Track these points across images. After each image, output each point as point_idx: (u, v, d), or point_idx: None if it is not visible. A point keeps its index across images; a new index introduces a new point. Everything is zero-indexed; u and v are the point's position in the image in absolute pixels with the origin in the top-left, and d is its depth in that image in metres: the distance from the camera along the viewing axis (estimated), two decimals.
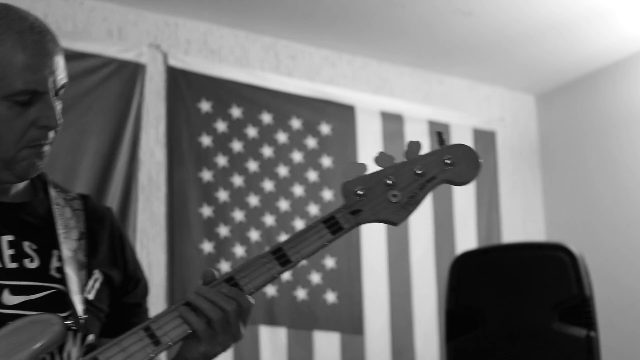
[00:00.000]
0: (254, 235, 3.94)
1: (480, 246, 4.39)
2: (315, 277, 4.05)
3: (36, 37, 1.34)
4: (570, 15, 4.01)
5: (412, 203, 1.34)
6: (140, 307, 1.52)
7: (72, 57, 3.61)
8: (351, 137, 4.29)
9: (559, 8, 3.94)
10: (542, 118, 5.01)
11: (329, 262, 4.10)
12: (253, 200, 3.98)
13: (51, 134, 1.36)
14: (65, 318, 1.31)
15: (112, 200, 3.59)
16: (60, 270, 1.37)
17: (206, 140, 3.93)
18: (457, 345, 3.05)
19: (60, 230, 1.40)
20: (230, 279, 1.32)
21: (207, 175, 3.90)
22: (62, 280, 1.36)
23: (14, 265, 1.35)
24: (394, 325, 4.22)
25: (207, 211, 3.86)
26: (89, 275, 1.40)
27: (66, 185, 3.60)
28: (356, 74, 4.46)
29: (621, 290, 4.35)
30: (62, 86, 1.37)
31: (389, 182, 1.33)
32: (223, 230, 3.87)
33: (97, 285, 1.41)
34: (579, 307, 2.87)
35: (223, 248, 3.86)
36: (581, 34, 4.22)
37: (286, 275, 3.97)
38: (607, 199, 4.56)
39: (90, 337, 1.38)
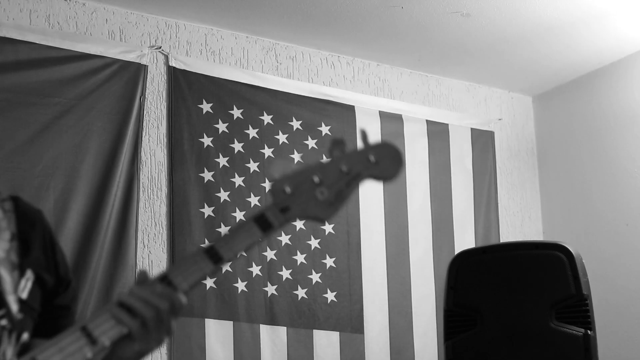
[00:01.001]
0: None
1: (479, 246, 4.40)
2: (315, 277, 4.06)
3: None
4: (567, 17, 4.02)
5: (339, 200, 1.36)
6: (69, 309, 1.53)
7: (74, 58, 3.64)
8: (351, 138, 4.29)
9: (556, 10, 3.95)
10: (540, 119, 5.03)
11: (329, 262, 4.11)
12: (253, 200, 3.99)
13: None
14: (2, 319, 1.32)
15: (114, 200, 3.60)
16: None
17: (207, 141, 3.94)
18: (455, 344, 3.06)
19: None
20: (164, 278, 1.33)
21: (207, 175, 3.90)
22: None
23: None
24: (393, 324, 4.23)
25: (207, 211, 3.87)
26: (22, 275, 1.41)
27: (69, 185, 3.64)
28: (355, 75, 4.48)
29: (618, 289, 4.36)
30: None
31: (316, 179, 1.35)
32: (224, 230, 3.87)
33: (30, 284, 1.41)
34: (577, 306, 2.88)
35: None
36: (578, 35, 4.23)
37: (286, 275, 3.99)
38: (603, 198, 4.57)
39: (25, 336, 1.39)
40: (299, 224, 4.06)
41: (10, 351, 1.35)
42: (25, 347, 1.38)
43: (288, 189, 1.35)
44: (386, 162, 1.37)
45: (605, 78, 4.62)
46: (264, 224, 1.34)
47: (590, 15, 4.00)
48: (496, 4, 3.90)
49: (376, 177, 1.38)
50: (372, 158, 1.37)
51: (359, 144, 1.38)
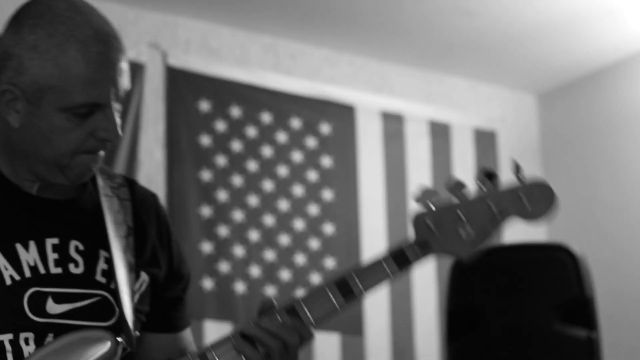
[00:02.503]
0: (254, 235, 3.94)
1: None
2: (315, 278, 4.05)
3: (100, 47, 1.27)
4: (570, 15, 4.01)
5: (482, 238, 1.31)
6: (181, 300, 1.48)
7: None
8: (351, 137, 4.29)
9: (560, 8, 3.94)
10: (543, 118, 5.01)
11: (329, 263, 4.10)
12: (253, 200, 3.98)
13: (108, 144, 1.32)
14: (114, 329, 1.28)
15: None
16: (105, 273, 1.33)
17: (206, 140, 3.92)
18: (457, 346, 3.05)
19: (110, 229, 1.35)
20: (291, 310, 1.30)
21: (206, 175, 3.89)
22: (108, 286, 1.32)
23: (58, 270, 1.30)
24: (394, 325, 4.22)
25: (206, 211, 3.86)
26: (137, 277, 1.36)
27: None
28: (356, 73, 4.46)
29: (623, 291, 4.34)
30: (124, 91, 1.32)
31: (462, 217, 1.30)
32: (223, 231, 3.87)
33: (143, 288, 1.38)
34: (581, 308, 2.86)
35: (223, 248, 3.85)
36: (582, 33, 4.21)
37: (286, 276, 3.98)
38: (608, 198, 4.55)
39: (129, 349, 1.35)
40: (299, 224, 4.05)
41: None
42: (129, 354, 1.33)
43: (431, 224, 1.30)
44: (539, 205, 1.31)
45: (610, 77, 4.60)
46: (402, 260, 1.32)
47: (595, 13, 3.98)
48: (499, 2, 3.90)
49: (524, 217, 1.33)
50: (524, 199, 1.31)
51: (508, 177, 1.30)
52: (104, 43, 1.28)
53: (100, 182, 1.40)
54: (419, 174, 4.45)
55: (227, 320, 3.79)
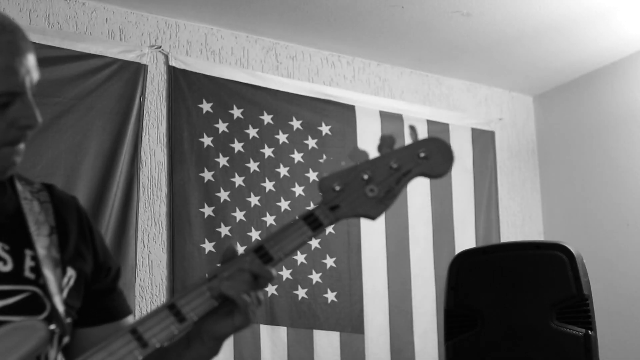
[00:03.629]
0: (254, 234, 3.95)
1: (479, 246, 4.40)
2: (315, 277, 4.06)
3: (9, 36, 1.28)
4: (567, 16, 4.02)
5: (389, 197, 1.35)
6: (113, 291, 1.50)
7: (73, 57, 3.63)
8: (351, 138, 4.30)
9: (557, 9, 3.95)
10: (540, 118, 5.03)
11: (329, 262, 4.11)
12: (253, 200, 3.99)
13: (29, 132, 1.32)
14: (47, 321, 1.30)
15: (114, 200, 3.60)
16: (34, 270, 1.34)
17: (207, 141, 3.94)
18: (456, 344, 3.05)
19: (32, 228, 1.37)
20: (215, 277, 1.32)
21: (207, 175, 3.90)
22: (37, 282, 1.34)
23: None
24: (393, 324, 4.23)
25: (207, 211, 3.86)
26: (64, 272, 1.38)
27: (69, 185, 3.63)
28: (356, 74, 4.47)
29: (619, 290, 4.36)
30: (36, 81, 1.33)
31: (366, 177, 1.33)
32: (224, 230, 3.88)
33: (72, 282, 1.39)
34: (577, 306, 2.87)
35: (224, 247, 3.85)
36: (578, 35, 4.23)
37: (286, 274, 3.99)
38: (604, 198, 4.57)
39: (66, 339, 1.37)
40: None
41: (53, 354, 1.33)
42: (65, 349, 1.36)
43: (337, 187, 1.33)
44: (437, 157, 1.34)
45: (606, 77, 4.62)
46: (313, 222, 1.33)
47: (591, 14, 4.00)
48: (497, 4, 3.90)
49: (427, 174, 1.36)
50: (422, 154, 1.34)
51: (407, 139, 1.35)
52: (11, 32, 1.29)
53: (19, 187, 1.42)
54: None
55: None
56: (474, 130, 4.73)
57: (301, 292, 4.01)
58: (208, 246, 3.83)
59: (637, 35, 4.25)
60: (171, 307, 1.27)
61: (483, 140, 4.75)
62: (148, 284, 3.70)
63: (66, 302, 1.36)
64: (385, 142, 1.35)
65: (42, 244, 1.36)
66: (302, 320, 3.98)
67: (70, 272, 1.40)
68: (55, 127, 3.53)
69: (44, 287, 1.33)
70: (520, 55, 4.47)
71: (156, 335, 1.26)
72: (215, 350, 1.38)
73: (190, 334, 1.37)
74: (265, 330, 3.88)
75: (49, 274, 1.33)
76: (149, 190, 3.78)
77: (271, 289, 3.93)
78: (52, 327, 1.30)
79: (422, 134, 4.60)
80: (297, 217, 1.33)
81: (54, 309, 1.32)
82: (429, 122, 4.56)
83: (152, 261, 3.72)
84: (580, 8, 3.94)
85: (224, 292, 1.29)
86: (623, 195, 4.47)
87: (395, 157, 1.34)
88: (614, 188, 4.52)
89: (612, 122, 4.57)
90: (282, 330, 3.93)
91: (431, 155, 1.34)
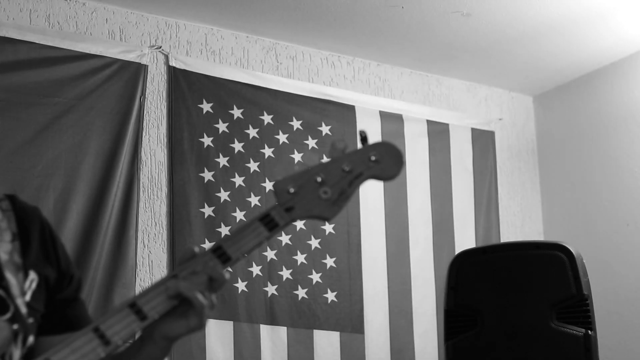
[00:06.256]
0: None
1: (479, 246, 4.40)
2: (315, 277, 4.07)
3: None
4: (567, 16, 4.02)
5: (342, 199, 1.37)
6: (76, 300, 1.52)
7: (74, 58, 3.64)
8: (351, 138, 4.29)
9: (557, 9, 3.95)
10: (540, 118, 5.03)
11: (329, 262, 4.11)
12: (253, 200, 3.99)
13: None
14: (10, 322, 1.31)
15: (114, 200, 3.60)
16: None
17: (207, 141, 3.94)
18: (456, 344, 3.06)
19: None
20: (175, 276, 1.33)
21: (207, 175, 3.90)
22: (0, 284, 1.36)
23: None
24: (393, 324, 4.23)
25: (207, 211, 3.87)
26: (26, 276, 1.40)
27: (69, 185, 3.64)
28: (356, 75, 4.48)
29: (619, 289, 4.36)
30: None
31: (319, 179, 1.36)
32: (224, 230, 3.88)
33: (34, 286, 1.41)
34: (577, 306, 2.88)
35: None
36: (577, 35, 4.23)
37: (286, 275, 3.99)
38: (604, 198, 4.57)
39: (31, 339, 1.38)
40: (300, 224, 4.06)
41: (17, 355, 1.34)
42: (31, 350, 1.37)
43: (292, 189, 1.36)
44: (387, 161, 1.38)
45: (606, 78, 4.62)
46: (269, 223, 1.35)
47: (591, 14, 4.00)
48: (496, 4, 3.91)
49: (377, 177, 1.39)
50: (372, 157, 1.38)
51: (359, 144, 1.39)
52: None
53: None
54: (418, 174, 4.48)
55: (228, 319, 3.80)
56: (474, 130, 4.73)
57: (301, 292, 4.01)
58: (208, 246, 3.81)
59: (637, 35, 4.25)
60: (132, 306, 1.29)
61: (483, 141, 4.75)
62: (148, 284, 3.70)
63: (29, 305, 1.38)
64: (337, 147, 1.39)
65: (4, 249, 1.39)
66: (302, 320, 3.98)
67: (33, 276, 1.42)
68: (55, 127, 3.53)
69: (7, 290, 1.35)
70: (520, 55, 4.47)
71: (118, 333, 1.27)
72: (166, 351, 1.41)
73: (142, 335, 1.39)
74: (265, 330, 3.88)
75: (11, 278, 1.36)
76: (149, 190, 3.79)
77: (271, 289, 3.93)
78: (15, 327, 1.32)
79: (422, 134, 4.63)
80: (253, 218, 1.36)
81: (17, 310, 1.34)
82: (429, 122, 4.57)
83: (152, 261, 3.73)
84: (580, 8, 3.94)
85: (182, 292, 1.30)
86: (623, 196, 4.47)
87: (348, 161, 1.38)
88: (614, 188, 4.52)
89: (612, 122, 4.57)
90: (282, 330, 3.93)
91: (382, 159, 1.38)
